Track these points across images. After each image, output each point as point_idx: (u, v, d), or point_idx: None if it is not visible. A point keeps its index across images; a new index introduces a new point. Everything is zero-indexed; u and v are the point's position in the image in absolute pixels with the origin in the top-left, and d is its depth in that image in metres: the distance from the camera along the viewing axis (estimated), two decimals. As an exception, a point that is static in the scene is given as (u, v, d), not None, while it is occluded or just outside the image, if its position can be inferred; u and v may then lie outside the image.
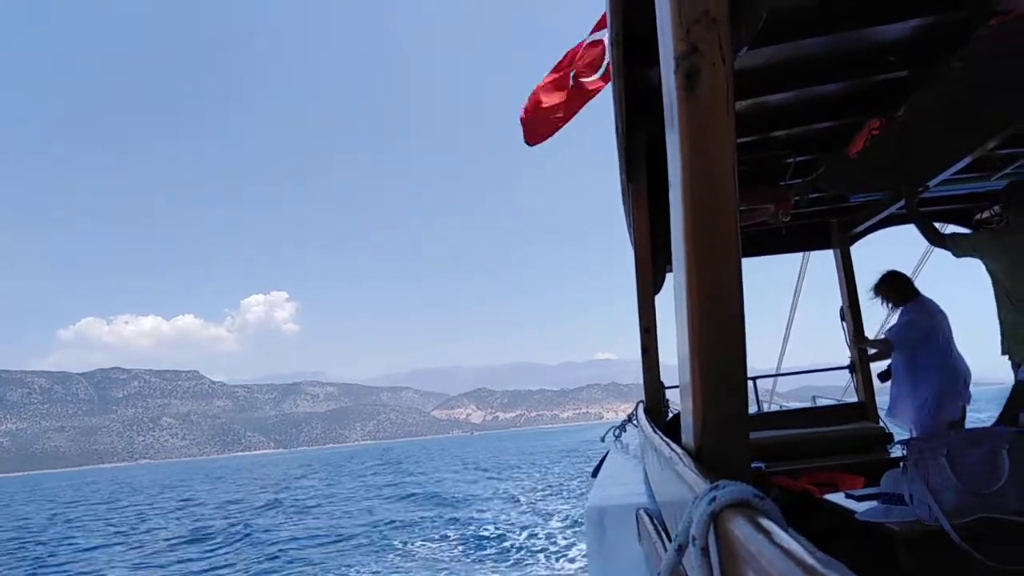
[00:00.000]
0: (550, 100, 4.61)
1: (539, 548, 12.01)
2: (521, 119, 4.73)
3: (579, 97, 4.53)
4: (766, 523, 0.60)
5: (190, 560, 14.56)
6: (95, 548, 17.47)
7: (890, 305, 4.36)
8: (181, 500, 33.77)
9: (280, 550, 14.45)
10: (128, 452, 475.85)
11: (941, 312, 4.15)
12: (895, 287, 4.30)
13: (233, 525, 19.72)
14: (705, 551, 0.68)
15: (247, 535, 17.21)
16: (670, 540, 0.89)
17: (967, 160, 3.47)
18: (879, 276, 4.36)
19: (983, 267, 3.61)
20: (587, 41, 4.56)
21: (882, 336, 4.64)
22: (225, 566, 13.52)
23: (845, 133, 3.55)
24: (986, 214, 4.87)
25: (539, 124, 4.68)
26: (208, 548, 15.96)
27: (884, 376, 4.40)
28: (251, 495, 32.46)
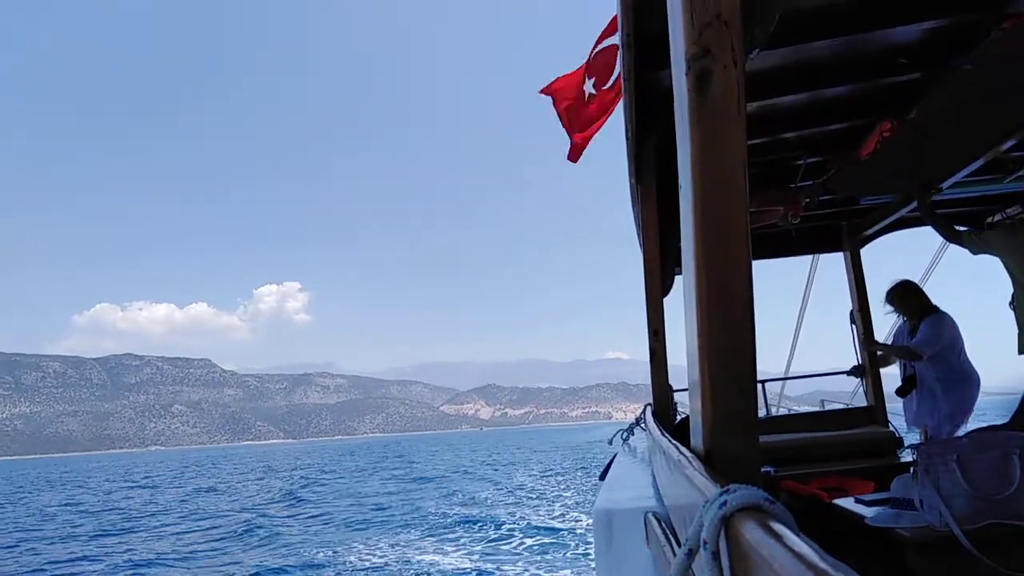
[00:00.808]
0: (584, 119, 4.65)
1: (548, 541, 12.08)
2: (574, 140, 4.78)
3: (602, 110, 4.53)
4: (778, 527, 0.60)
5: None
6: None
7: (903, 318, 4.31)
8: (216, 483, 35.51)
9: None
10: (139, 438, 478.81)
11: (955, 324, 4.11)
12: (912, 298, 4.25)
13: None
14: (716, 555, 0.68)
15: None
16: (679, 544, 0.89)
17: (980, 162, 3.43)
18: (893, 284, 4.30)
19: (993, 269, 3.58)
20: (599, 47, 4.52)
21: (890, 342, 4.59)
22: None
23: (856, 135, 3.52)
24: (998, 217, 4.81)
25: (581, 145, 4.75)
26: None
27: (902, 391, 4.31)
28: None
